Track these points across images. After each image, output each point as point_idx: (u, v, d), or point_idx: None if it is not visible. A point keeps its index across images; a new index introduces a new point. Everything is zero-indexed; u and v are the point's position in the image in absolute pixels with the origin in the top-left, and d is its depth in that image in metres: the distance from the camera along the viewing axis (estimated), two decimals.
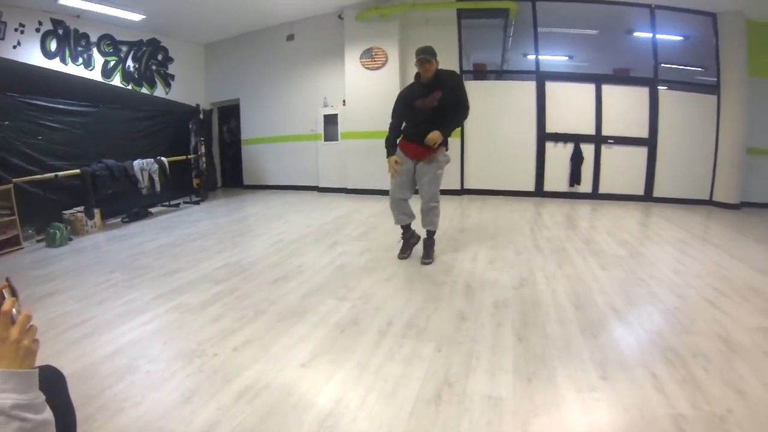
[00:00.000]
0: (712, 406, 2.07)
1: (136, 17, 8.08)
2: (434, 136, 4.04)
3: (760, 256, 4.94)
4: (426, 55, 4.08)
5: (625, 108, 8.78)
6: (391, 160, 4.25)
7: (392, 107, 4.40)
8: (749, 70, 8.41)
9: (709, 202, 8.68)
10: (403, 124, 4.39)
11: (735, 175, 8.48)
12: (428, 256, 4.41)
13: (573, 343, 2.68)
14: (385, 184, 8.74)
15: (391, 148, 4.30)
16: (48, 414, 0.89)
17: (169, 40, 9.75)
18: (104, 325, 2.94)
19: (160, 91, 9.58)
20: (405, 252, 4.54)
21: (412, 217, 4.53)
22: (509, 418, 1.97)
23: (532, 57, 8.87)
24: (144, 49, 9.21)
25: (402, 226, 4.57)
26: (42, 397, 0.89)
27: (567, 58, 9.52)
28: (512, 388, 2.20)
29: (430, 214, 4.42)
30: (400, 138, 4.38)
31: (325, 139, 9.54)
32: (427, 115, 4.18)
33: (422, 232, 4.57)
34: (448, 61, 8.61)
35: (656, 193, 8.81)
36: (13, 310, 0.90)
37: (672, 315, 3.21)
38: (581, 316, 3.09)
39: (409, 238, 4.60)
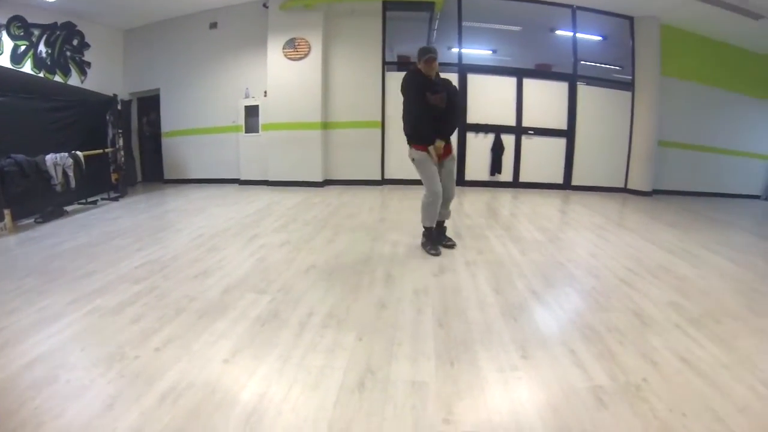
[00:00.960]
0: (628, 377, 2.28)
1: None
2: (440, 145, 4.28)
3: (670, 238, 5.45)
4: (433, 53, 4.17)
5: (545, 101, 9.30)
6: (437, 146, 4.29)
7: (406, 95, 4.34)
8: (662, 70, 9.16)
9: (624, 190, 9.48)
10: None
11: (647, 165, 9.30)
12: (449, 239, 4.70)
13: (494, 327, 2.83)
14: (306, 175, 9.09)
15: (430, 136, 4.29)
16: None
17: (85, 24, 9.17)
18: (18, 335, 2.79)
19: (74, 80, 9.04)
20: (436, 247, 4.52)
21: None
22: (433, 402, 2.06)
23: (456, 50, 9.13)
24: (58, 33, 8.64)
25: (431, 227, 4.55)
26: None
27: (491, 52, 9.84)
28: (435, 372, 2.30)
29: (448, 207, 4.61)
30: (416, 145, 4.36)
31: (246, 131, 9.47)
32: (440, 112, 4.22)
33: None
34: (372, 52, 8.74)
35: (575, 182, 9.44)
36: None
37: (589, 295, 3.48)
38: (501, 300, 3.27)
39: (432, 235, 4.59)
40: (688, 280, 3.93)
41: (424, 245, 4.57)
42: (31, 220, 6.36)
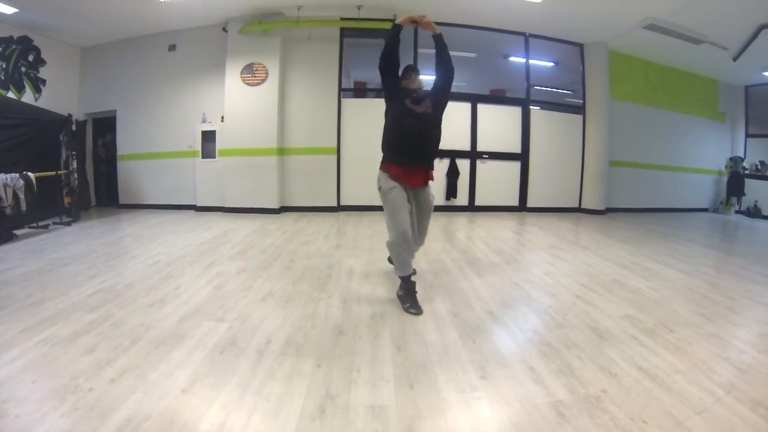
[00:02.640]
0: (587, 389, 2.37)
1: (8, 9, 7.46)
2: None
3: (623, 254, 5.73)
4: (410, 70, 3.98)
5: (499, 126, 9.58)
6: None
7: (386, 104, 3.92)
8: (611, 94, 9.70)
9: (579, 210, 9.88)
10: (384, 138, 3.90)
11: (600, 184, 9.75)
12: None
13: (452, 348, 2.89)
14: (262, 201, 9.03)
15: (404, 152, 3.74)
16: None
17: (42, 39, 8.99)
18: None
19: (28, 97, 8.79)
20: (417, 305, 3.66)
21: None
22: (394, 425, 2.09)
23: None
24: (14, 47, 8.43)
25: (409, 275, 3.77)
26: None
27: None
28: (395, 396, 2.33)
29: (419, 243, 4.08)
30: (386, 164, 3.82)
31: (203, 156, 9.38)
32: (424, 122, 3.72)
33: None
34: (328, 78, 8.84)
35: (530, 204, 9.74)
36: None
37: (545, 312, 3.59)
38: (459, 322, 3.34)
39: (413, 285, 3.80)
40: (641, 293, 4.14)
41: (401, 299, 3.76)
42: None
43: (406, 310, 3.61)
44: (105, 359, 2.75)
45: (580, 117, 9.95)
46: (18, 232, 6.86)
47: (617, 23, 8.45)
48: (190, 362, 2.71)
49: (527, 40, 9.62)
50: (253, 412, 2.19)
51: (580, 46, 9.86)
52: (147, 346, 2.93)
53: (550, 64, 10.14)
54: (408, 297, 3.71)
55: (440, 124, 3.89)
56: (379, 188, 3.79)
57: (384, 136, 3.91)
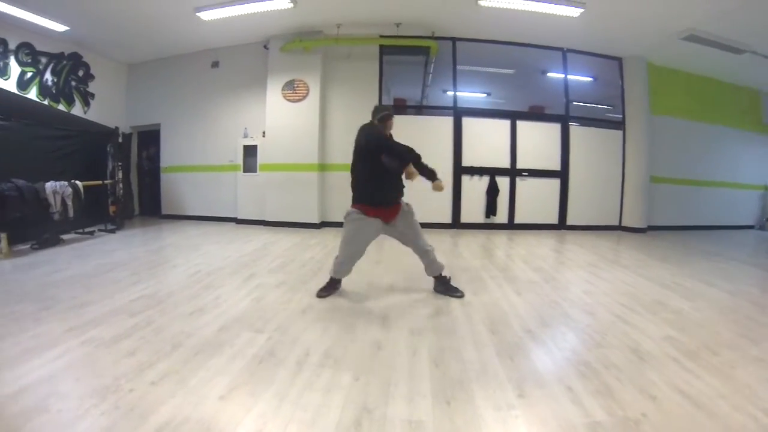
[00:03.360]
0: (626, 412, 2.27)
1: (60, 27, 7.86)
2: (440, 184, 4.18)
3: (665, 273, 5.52)
4: (389, 111, 4.18)
5: (538, 143, 9.43)
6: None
7: (394, 142, 4.08)
8: (651, 108, 9.46)
9: (619, 228, 9.60)
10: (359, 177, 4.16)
11: (641, 201, 9.47)
12: (456, 292, 4.40)
13: (489, 366, 2.82)
14: (303, 216, 9.10)
15: (379, 197, 4.14)
16: None
17: (91, 55, 9.44)
18: (9, 361, 2.77)
19: (78, 110, 9.22)
20: (328, 292, 4.37)
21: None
22: None
23: (451, 93, 9.32)
24: (65, 62, 8.86)
25: (339, 280, 4.43)
26: None
27: (485, 95, 10.05)
28: (432, 411, 2.28)
29: (429, 257, 4.37)
30: (358, 204, 4.14)
31: (244, 171, 9.52)
32: (392, 172, 4.07)
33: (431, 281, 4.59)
34: (368, 94, 8.89)
35: (569, 221, 9.52)
36: None
37: (584, 332, 3.48)
38: (497, 340, 3.26)
39: (337, 286, 4.46)
40: (684, 314, 3.98)
41: (321, 290, 4.40)
42: (27, 246, 6.39)
43: (317, 295, 4.32)
44: (146, 362, 2.78)
45: (620, 132, 9.70)
46: (65, 236, 7.11)
47: (656, 36, 8.26)
48: (229, 370, 2.71)
49: (565, 55, 9.51)
50: (290, 422, 2.17)
51: (619, 60, 9.67)
52: (187, 353, 2.95)
53: (589, 79, 9.98)
54: (328, 289, 4.38)
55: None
56: (346, 215, 4.19)
57: (357, 180, 4.18)
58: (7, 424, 2.10)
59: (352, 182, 4.21)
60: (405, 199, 4.29)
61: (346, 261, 4.26)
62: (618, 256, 6.80)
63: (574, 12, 7.29)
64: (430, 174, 4.17)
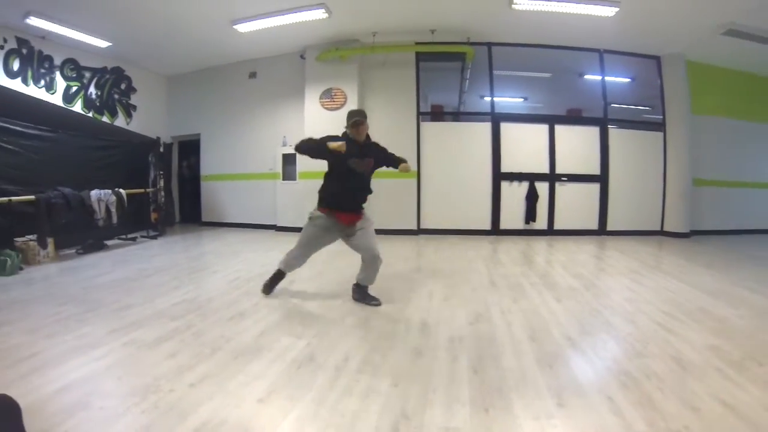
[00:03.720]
0: (668, 424, 2.17)
1: (103, 44, 8.18)
2: (407, 165, 4.16)
3: (709, 280, 5.30)
4: (360, 117, 4.12)
5: (577, 147, 9.24)
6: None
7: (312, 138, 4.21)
8: (692, 107, 9.10)
9: (661, 233, 9.28)
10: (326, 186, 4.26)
11: (683, 205, 9.13)
12: (370, 300, 4.29)
13: (529, 374, 2.75)
14: None
15: (338, 203, 4.18)
16: None
17: (133, 69, 9.77)
18: (54, 359, 2.86)
19: (120, 121, 9.54)
20: (272, 289, 4.56)
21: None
22: None
23: (488, 99, 9.25)
24: (107, 76, 9.20)
25: (284, 272, 4.56)
26: None
27: (522, 99, 9.96)
28: (469, 419, 2.23)
29: (372, 268, 4.27)
30: (323, 208, 4.23)
31: (284, 179, 9.57)
32: (360, 179, 4.17)
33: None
34: (406, 102, 8.88)
35: (610, 227, 9.27)
36: None
37: (625, 340, 3.36)
38: (536, 348, 3.18)
39: (280, 279, 4.58)
40: (728, 322, 3.80)
41: (265, 284, 4.57)
42: (73, 251, 6.64)
43: (263, 290, 4.52)
44: (186, 365, 2.81)
45: (660, 134, 9.36)
46: (108, 242, 7.33)
47: (694, 32, 7.97)
48: (268, 374, 2.71)
49: (602, 56, 9.28)
50: (327, 426, 2.15)
51: (657, 58, 9.35)
52: (226, 357, 2.97)
53: (627, 80, 9.73)
54: (270, 284, 4.55)
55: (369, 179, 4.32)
56: (310, 217, 4.31)
57: (325, 184, 4.31)
58: (51, 419, 2.15)
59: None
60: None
61: (298, 249, 4.42)
62: (660, 262, 6.60)
63: (609, 11, 7.12)
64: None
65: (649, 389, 2.54)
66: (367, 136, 4.21)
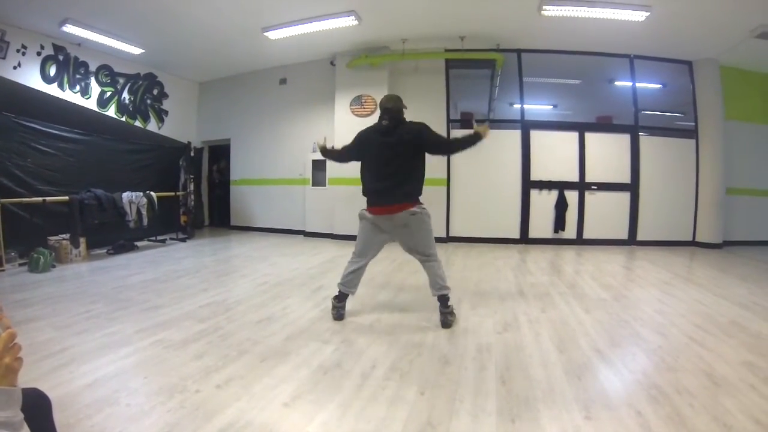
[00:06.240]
0: None
1: (136, 51, 8.36)
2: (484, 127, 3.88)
3: (743, 293, 5.12)
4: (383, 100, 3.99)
5: (607, 155, 9.07)
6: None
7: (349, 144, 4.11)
8: (725, 114, 8.85)
9: (693, 243, 9.00)
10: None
11: (716, 215, 8.85)
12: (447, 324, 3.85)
13: (557, 385, 2.69)
14: None
15: (369, 194, 4.06)
16: None
17: (165, 75, 9.99)
18: (84, 355, 2.91)
19: (153, 126, 9.72)
20: (339, 314, 3.98)
21: (354, 291, 4.08)
22: None
23: (517, 106, 9.15)
24: (141, 82, 9.40)
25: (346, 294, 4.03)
26: (20, 416, 0.89)
27: (552, 106, 9.82)
28: (496, 429, 2.19)
29: (429, 272, 4.01)
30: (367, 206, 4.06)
31: (313, 184, 9.57)
32: (387, 165, 3.89)
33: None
34: (436, 109, 8.84)
35: (640, 237, 9.06)
36: None
37: (655, 354, 3.26)
38: (565, 359, 3.12)
39: (342, 301, 4.02)
40: (763, 337, 3.65)
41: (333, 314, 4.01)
42: (104, 251, 6.81)
43: (332, 310, 4.00)
44: (213, 366, 2.82)
45: (693, 141, 9.08)
46: (139, 243, 7.47)
47: (726, 35, 7.71)
48: (294, 379, 2.70)
49: (632, 61, 9.09)
50: None
51: (689, 63, 9.09)
52: (253, 360, 2.97)
53: (658, 86, 9.45)
54: (335, 310, 3.99)
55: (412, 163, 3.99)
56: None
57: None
58: (79, 412, 2.19)
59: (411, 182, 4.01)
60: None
61: (355, 252, 4.11)
62: (692, 274, 6.40)
63: (639, 16, 6.96)
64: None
65: (680, 404, 2.46)
66: (401, 120, 3.95)
